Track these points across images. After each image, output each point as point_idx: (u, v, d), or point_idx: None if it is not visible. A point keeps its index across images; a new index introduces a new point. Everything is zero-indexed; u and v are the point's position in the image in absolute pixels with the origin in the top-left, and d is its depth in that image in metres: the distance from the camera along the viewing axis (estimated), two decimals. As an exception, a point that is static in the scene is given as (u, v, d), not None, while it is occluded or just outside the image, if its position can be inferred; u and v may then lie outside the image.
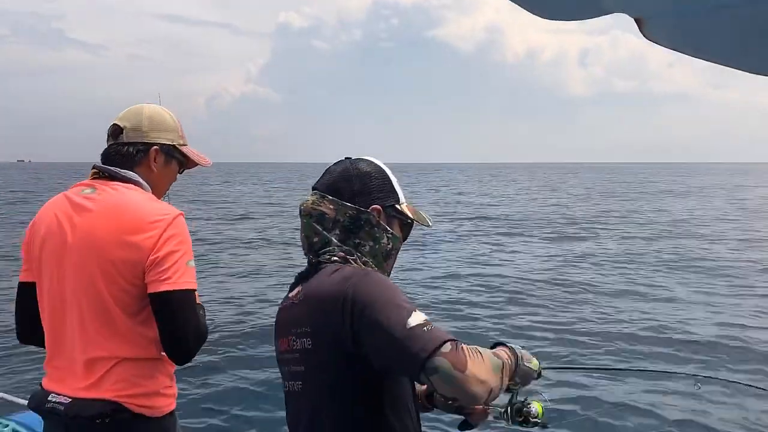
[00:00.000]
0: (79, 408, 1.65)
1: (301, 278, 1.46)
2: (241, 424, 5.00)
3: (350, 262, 1.41)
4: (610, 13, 0.80)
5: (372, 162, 1.54)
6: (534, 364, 1.51)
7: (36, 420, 2.75)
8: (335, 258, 1.42)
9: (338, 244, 1.44)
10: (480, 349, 1.28)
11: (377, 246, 1.47)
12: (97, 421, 1.63)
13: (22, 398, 2.85)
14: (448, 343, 1.21)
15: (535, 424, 1.63)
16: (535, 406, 1.63)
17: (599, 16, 0.80)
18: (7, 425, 2.73)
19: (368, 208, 1.47)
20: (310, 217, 1.46)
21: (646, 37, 0.81)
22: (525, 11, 0.78)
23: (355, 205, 1.46)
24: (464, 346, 1.23)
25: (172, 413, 1.79)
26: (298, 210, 1.51)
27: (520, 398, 1.62)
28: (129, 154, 1.84)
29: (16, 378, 5.72)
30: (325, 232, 1.44)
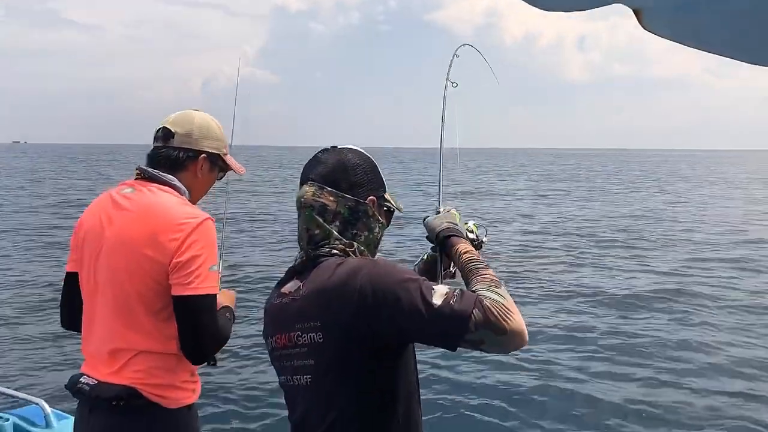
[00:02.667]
0: (101, 390, 1.76)
1: (296, 273, 1.45)
2: (263, 422, 4.99)
3: (350, 254, 1.42)
4: (608, 4, 0.79)
5: (361, 152, 1.55)
6: (457, 216, 1.63)
7: (37, 414, 2.76)
8: (335, 251, 1.41)
9: (338, 236, 1.44)
10: (495, 295, 1.25)
11: (371, 236, 1.48)
12: (113, 403, 1.74)
13: (22, 392, 2.85)
14: (476, 309, 1.20)
15: (481, 243, 1.74)
16: (473, 230, 1.73)
17: (596, 7, 0.79)
18: (8, 419, 2.75)
19: (365, 200, 1.48)
20: (311, 209, 1.45)
21: (645, 28, 0.80)
22: (522, 1, 0.77)
23: (354, 197, 1.46)
24: (488, 303, 1.22)
25: (190, 407, 1.85)
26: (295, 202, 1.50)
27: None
28: (178, 158, 1.91)
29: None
30: (326, 225, 1.44)
